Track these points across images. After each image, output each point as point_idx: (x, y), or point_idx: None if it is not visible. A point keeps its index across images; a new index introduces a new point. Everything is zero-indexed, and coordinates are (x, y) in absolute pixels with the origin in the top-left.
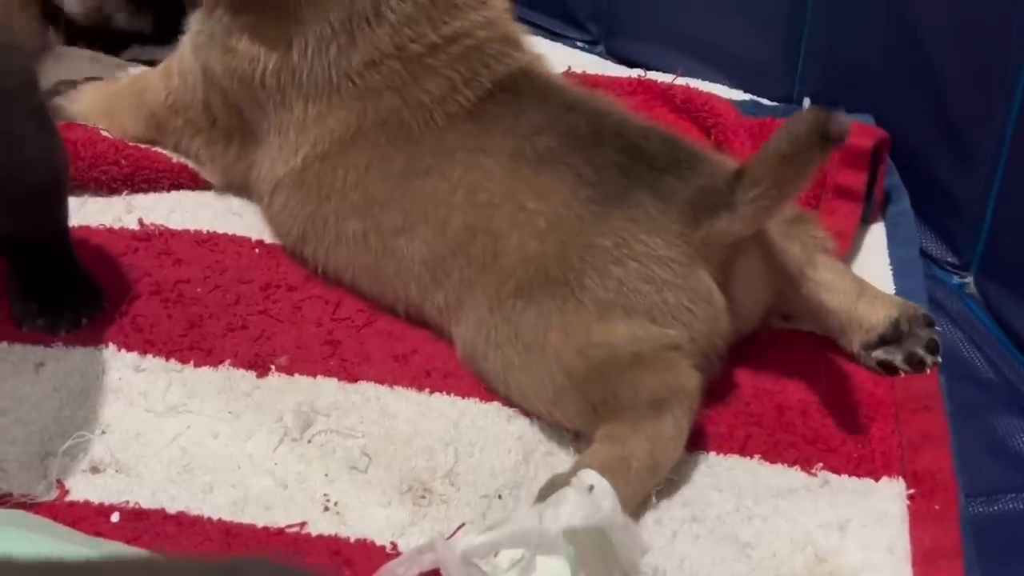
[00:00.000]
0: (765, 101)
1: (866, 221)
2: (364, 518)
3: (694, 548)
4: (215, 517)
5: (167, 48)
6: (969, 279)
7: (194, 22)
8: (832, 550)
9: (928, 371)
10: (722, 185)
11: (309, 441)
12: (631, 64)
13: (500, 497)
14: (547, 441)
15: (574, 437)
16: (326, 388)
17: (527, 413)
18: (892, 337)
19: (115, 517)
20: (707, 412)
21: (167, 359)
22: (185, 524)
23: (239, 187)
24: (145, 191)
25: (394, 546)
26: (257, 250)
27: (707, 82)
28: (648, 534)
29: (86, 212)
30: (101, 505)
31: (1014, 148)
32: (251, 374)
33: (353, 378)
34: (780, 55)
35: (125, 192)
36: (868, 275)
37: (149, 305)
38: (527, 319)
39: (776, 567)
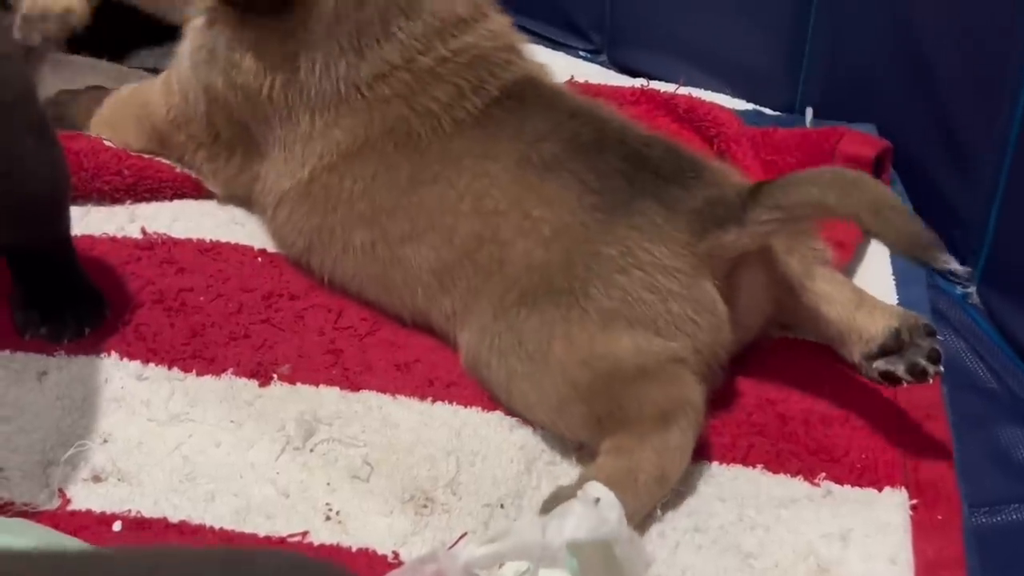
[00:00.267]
0: (767, 110)
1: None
2: (366, 527)
3: (697, 558)
4: (217, 526)
5: (168, 52)
6: (972, 289)
7: (191, 37)
8: (834, 560)
9: (930, 381)
10: (733, 198)
11: (311, 450)
12: (634, 74)
13: (502, 506)
14: (549, 451)
15: (577, 447)
16: (328, 397)
17: (529, 422)
18: (893, 347)
19: (117, 526)
20: (710, 422)
21: (169, 368)
22: (187, 533)
23: (242, 199)
24: (148, 200)
25: (396, 555)
26: (260, 259)
27: (710, 92)
28: (651, 544)
29: (89, 221)
30: (103, 514)
31: (1016, 158)
32: (253, 383)
33: (355, 387)
34: (783, 65)
35: (128, 201)
36: (871, 285)
37: (152, 314)
38: (531, 327)
39: None
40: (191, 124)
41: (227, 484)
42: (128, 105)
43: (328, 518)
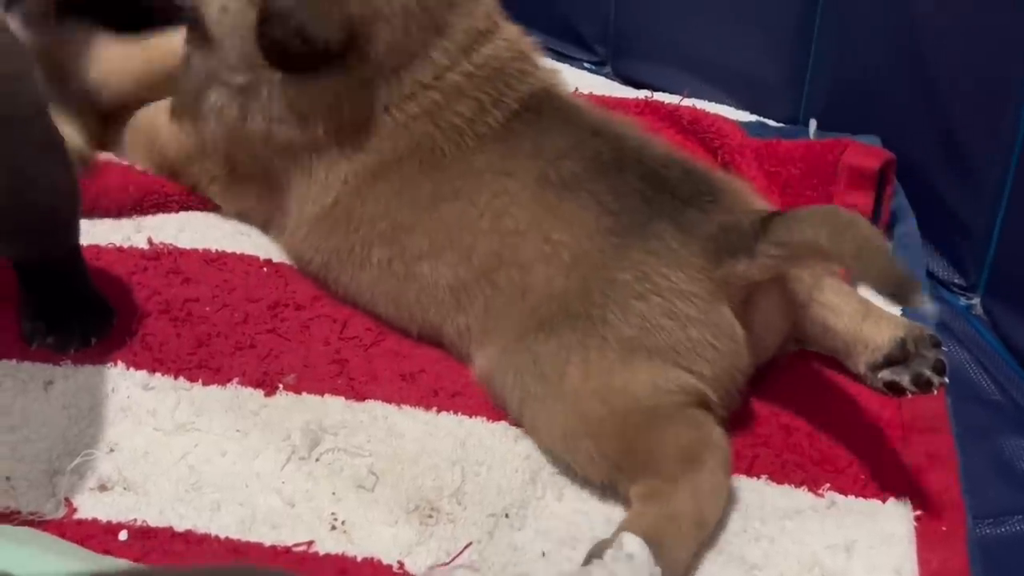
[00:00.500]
0: (771, 122)
1: None
2: (371, 537)
3: (701, 569)
4: (223, 535)
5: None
6: (976, 300)
7: (213, 94)
8: (839, 571)
9: (935, 392)
10: (746, 227)
11: (317, 460)
12: (638, 85)
13: (507, 516)
14: (554, 461)
15: None
16: (334, 407)
17: None
18: (898, 358)
19: (123, 535)
20: None
21: (176, 377)
22: (193, 542)
23: (255, 223)
24: (154, 212)
25: (401, 565)
26: (265, 269)
27: (713, 103)
28: None
29: (96, 231)
30: (109, 523)
31: (1020, 170)
32: (259, 392)
33: (361, 397)
34: (786, 77)
35: (135, 214)
36: (875, 297)
37: (158, 324)
38: (548, 350)
39: None
40: (206, 160)
41: (233, 493)
42: (138, 133)
43: (333, 527)
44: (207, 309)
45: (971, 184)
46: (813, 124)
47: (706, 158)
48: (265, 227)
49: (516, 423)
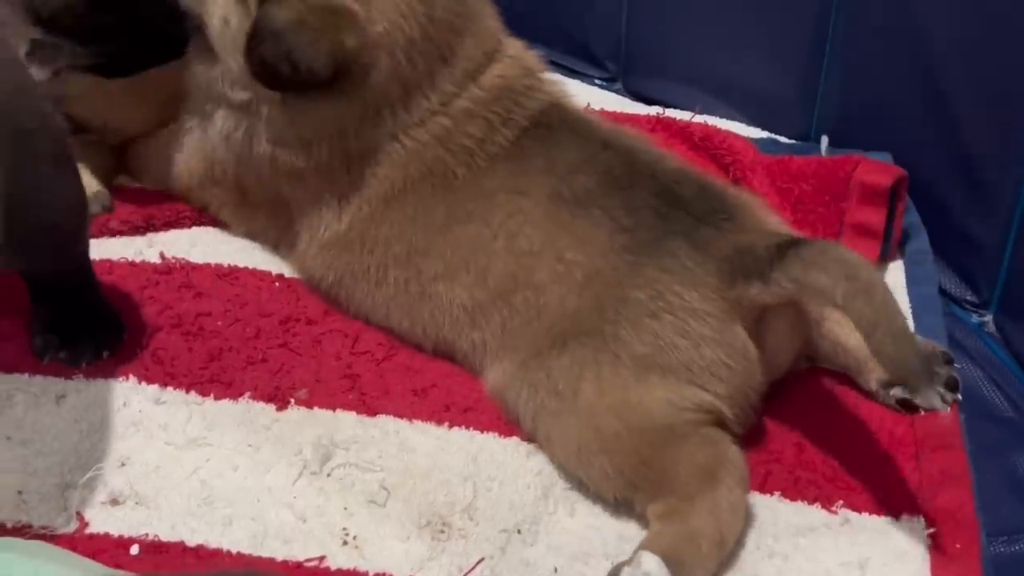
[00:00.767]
0: (783, 139)
1: (884, 259)
2: (383, 552)
3: None
4: (234, 550)
5: None
6: (988, 317)
7: (220, 117)
8: None
9: (948, 409)
10: (761, 252)
11: (328, 475)
12: (649, 102)
13: (519, 532)
14: (566, 477)
15: None
16: (345, 421)
17: None
18: None
19: (135, 549)
20: None
21: (187, 392)
22: (204, 557)
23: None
24: (167, 228)
25: None
26: (277, 284)
27: (725, 120)
28: None
29: (108, 245)
30: (121, 537)
31: None
32: (271, 407)
33: (372, 412)
34: (798, 93)
35: (147, 229)
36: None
37: (170, 338)
38: (561, 365)
39: None
40: (218, 186)
41: (244, 508)
42: (149, 160)
43: (345, 543)
44: (219, 323)
45: (983, 201)
46: (825, 141)
47: (718, 174)
48: (275, 247)
49: (528, 438)
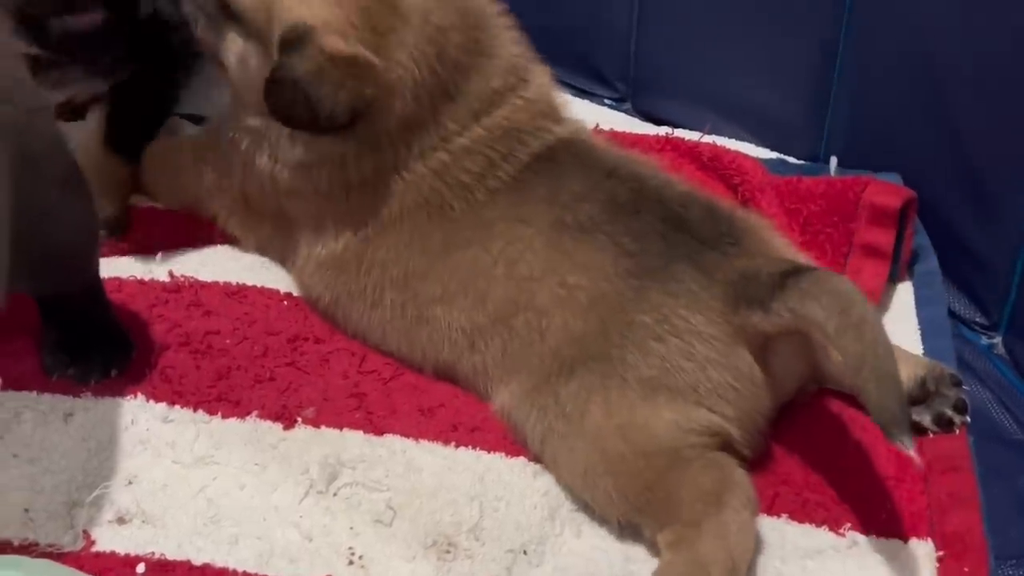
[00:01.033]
0: (792, 159)
1: (893, 280)
2: (388, 572)
3: None
4: (240, 569)
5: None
6: (997, 339)
7: (231, 128)
8: None
9: (956, 431)
10: (765, 279)
11: (335, 494)
12: (658, 122)
13: (525, 552)
14: (573, 498)
15: None
16: (352, 441)
17: None
18: (918, 397)
19: (141, 568)
20: None
21: (195, 410)
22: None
23: (273, 257)
24: (176, 247)
25: None
26: (285, 302)
27: (734, 140)
28: None
29: (118, 264)
30: (127, 556)
31: None
32: (278, 426)
33: (379, 431)
34: (807, 114)
35: (157, 248)
36: (896, 335)
37: (178, 356)
38: (569, 390)
39: None
40: (224, 197)
41: (251, 527)
42: (160, 171)
43: (351, 562)
44: (227, 342)
45: (993, 223)
46: (834, 161)
47: (726, 195)
48: (282, 261)
49: (535, 459)
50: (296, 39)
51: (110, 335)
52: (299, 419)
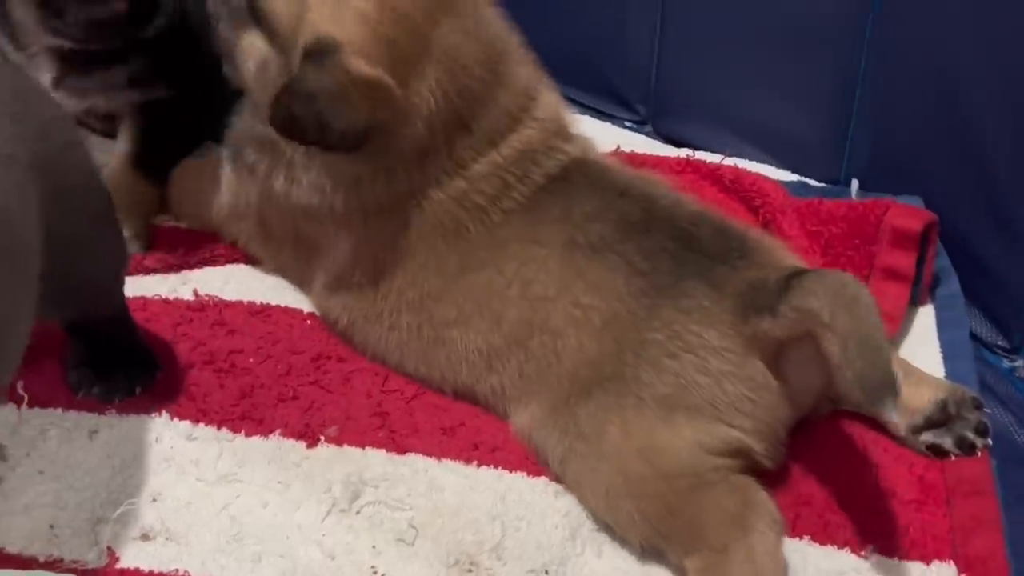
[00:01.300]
0: (813, 182)
1: (915, 303)
2: None
3: None
4: None
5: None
6: (1019, 362)
7: (251, 152)
8: None
9: (978, 454)
10: (771, 285)
11: (357, 512)
12: (679, 144)
13: (547, 572)
14: (594, 518)
15: None
16: (375, 459)
17: None
18: (939, 419)
19: None
20: None
21: (219, 428)
22: None
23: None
24: (200, 266)
25: None
26: (308, 321)
27: (755, 162)
28: None
29: (143, 283)
30: (151, 573)
31: None
32: (301, 444)
33: (401, 450)
34: (828, 136)
35: (182, 268)
36: (918, 358)
37: (202, 375)
38: (587, 411)
39: None
40: (243, 220)
41: (274, 545)
42: (182, 191)
43: None
44: (251, 361)
45: (1014, 245)
46: (855, 184)
47: (747, 217)
48: (300, 284)
49: (556, 479)
50: (320, 53)
51: (135, 354)
52: (322, 437)
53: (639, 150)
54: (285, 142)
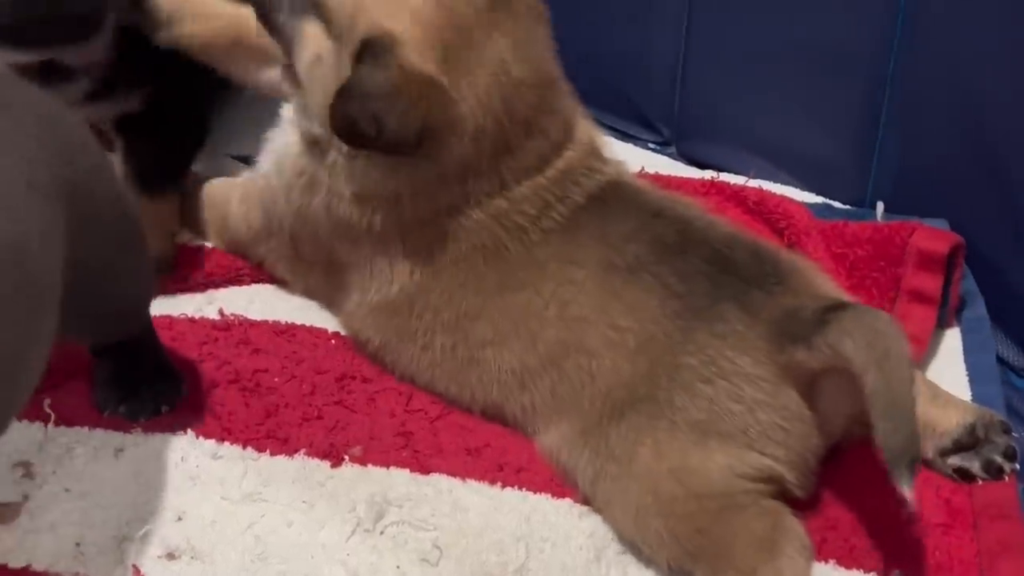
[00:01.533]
0: (838, 204)
1: (941, 326)
2: None
3: None
4: None
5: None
6: None
7: (291, 165)
8: None
9: (1006, 478)
10: (808, 315)
11: (381, 532)
12: (703, 166)
13: None
14: (619, 540)
15: None
16: (399, 479)
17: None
18: (968, 443)
19: None
20: None
21: (244, 447)
22: None
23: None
24: (226, 286)
25: None
26: (333, 341)
27: (779, 184)
28: None
29: (168, 303)
30: None
31: None
32: (325, 464)
33: (426, 470)
34: (853, 158)
35: (207, 287)
36: (944, 381)
37: (227, 394)
38: (619, 432)
39: None
40: (272, 240)
41: (298, 564)
42: (209, 211)
43: None
44: (276, 380)
45: None
46: (880, 207)
47: (772, 239)
48: (329, 306)
49: (582, 500)
50: (377, 49)
51: (160, 373)
52: (346, 457)
53: (663, 172)
54: (336, 147)
